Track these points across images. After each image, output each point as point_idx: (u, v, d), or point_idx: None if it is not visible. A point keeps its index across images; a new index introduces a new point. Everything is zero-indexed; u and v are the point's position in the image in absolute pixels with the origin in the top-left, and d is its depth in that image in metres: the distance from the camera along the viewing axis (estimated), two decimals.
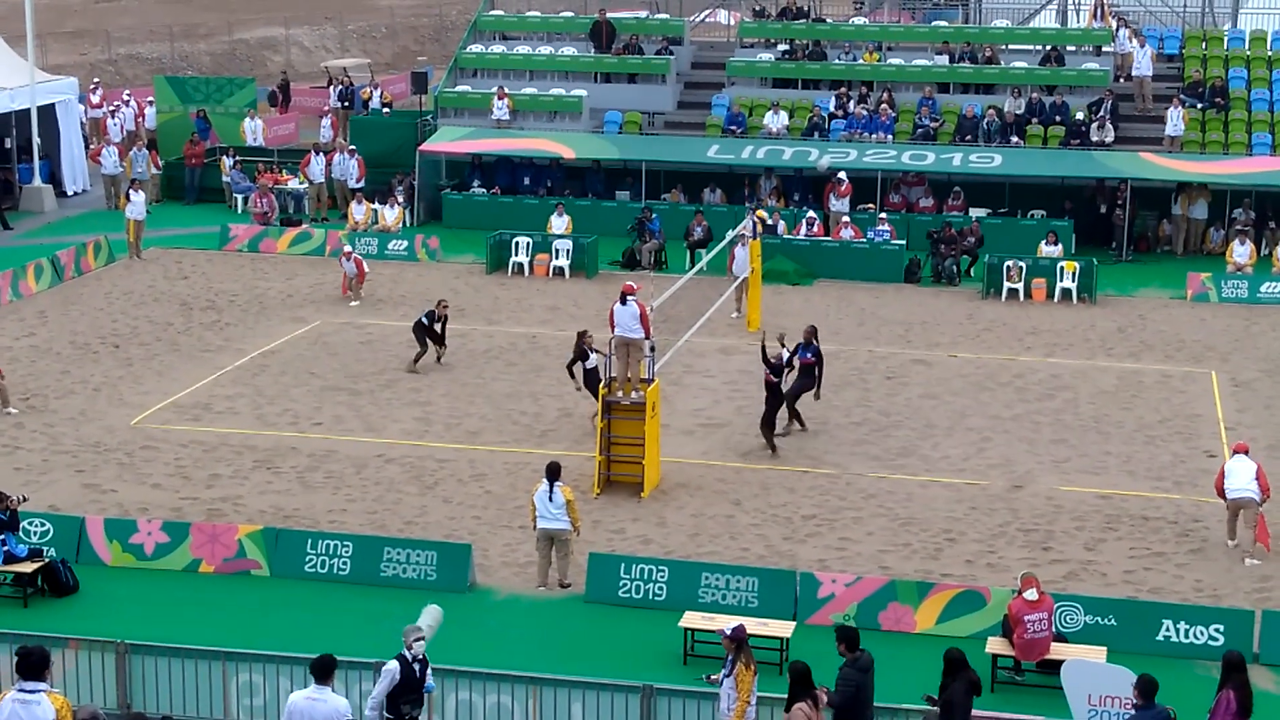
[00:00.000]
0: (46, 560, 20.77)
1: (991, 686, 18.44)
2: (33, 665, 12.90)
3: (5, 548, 20.51)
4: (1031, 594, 18.26)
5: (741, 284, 33.25)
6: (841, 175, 39.97)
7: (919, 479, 24.81)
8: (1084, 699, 17.03)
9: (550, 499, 20.67)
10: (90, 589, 20.75)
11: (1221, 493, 22.17)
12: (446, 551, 21.20)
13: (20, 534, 21.02)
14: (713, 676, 16.40)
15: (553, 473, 20.88)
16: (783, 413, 26.26)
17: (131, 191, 39.27)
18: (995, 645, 18.75)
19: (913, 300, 36.15)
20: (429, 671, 15.94)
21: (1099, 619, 19.45)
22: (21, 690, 12.83)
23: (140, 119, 50.10)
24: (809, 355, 26.54)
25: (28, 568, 20.53)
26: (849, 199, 40.05)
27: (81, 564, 21.23)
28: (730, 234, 34.35)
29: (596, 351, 26.41)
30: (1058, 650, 18.37)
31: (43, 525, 21.62)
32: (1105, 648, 18.66)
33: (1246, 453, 22.44)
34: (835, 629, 16.39)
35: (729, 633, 16.06)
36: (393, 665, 15.69)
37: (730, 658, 15.94)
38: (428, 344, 30.26)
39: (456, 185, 43.90)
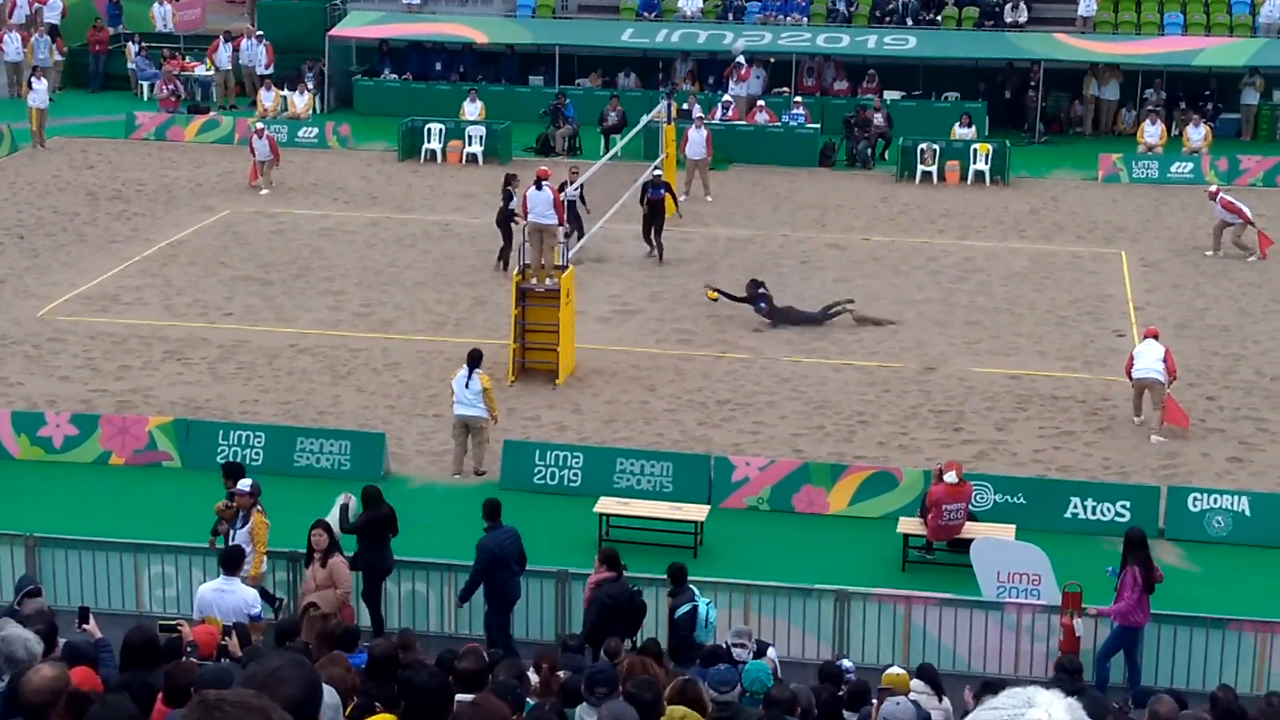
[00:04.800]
0: None
1: (903, 566, 18.70)
2: None
3: None
4: (951, 476, 18.41)
5: (690, 166, 33.87)
6: (740, 60, 39.77)
7: (832, 362, 24.93)
8: (993, 576, 17.29)
9: (467, 385, 20.61)
10: None
11: (1130, 375, 22.44)
12: (360, 440, 21.13)
13: None
14: (220, 527, 17.07)
15: (473, 360, 20.84)
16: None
17: (34, 79, 38.42)
18: (907, 525, 18.95)
19: (827, 184, 36.15)
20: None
21: (1008, 497, 19.70)
22: None
23: (42, 3, 48.76)
24: (660, 193, 29.56)
25: None
26: (748, 84, 39.93)
27: None
28: (645, 119, 34.18)
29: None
30: (968, 529, 18.58)
31: None
32: (1014, 525, 18.92)
33: (1156, 337, 22.70)
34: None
35: (249, 489, 16.63)
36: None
37: (245, 513, 16.54)
38: (512, 235, 28.18)
39: (367, 71, 43.30)
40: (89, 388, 23.51)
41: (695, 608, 15.51)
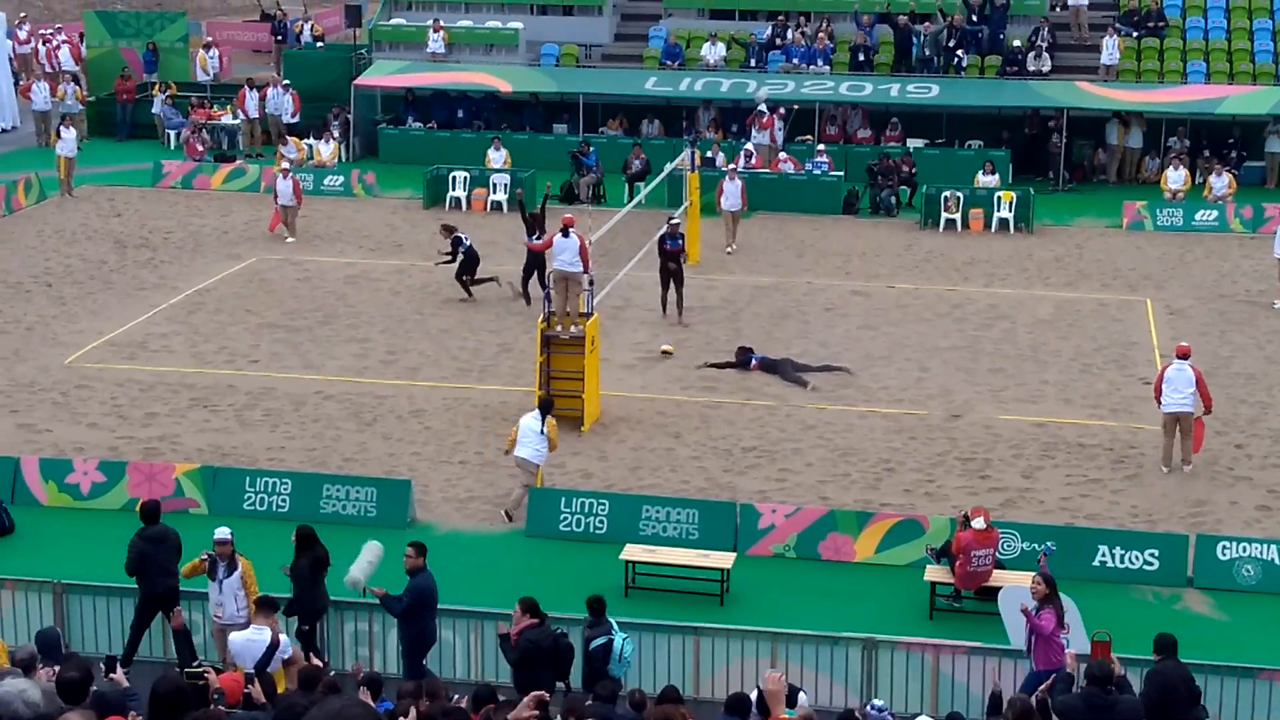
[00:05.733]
0: None
1: (930, 614, 18.61)
2: None
3: None
4: (979, 523, 18.32)
5: (726, 217, 33.82)
6: (762, 108, 39.87)
7: (858, 409, 24.90)
8: (1022, 624, 17.16)
9: (541, 431, 20.80)
10: (26, 529, 20.59)
11: (1159, 399, 22.28)
12: (386, 487, 21.15)
13: None
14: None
15: (544, 407, 21.06)
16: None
17: (62, 128, 38.72)
18: (934, 573, 18.87)
19: (851, 231, 36.20)
20: None
21: (1036, 545, 19.58)
22: None
23: (54, 54, 48.82)
24: (678, 244, 28.89)
25: None
26: (770, 131, 40.02)
27: (17, 505, 21.03)
28: (668, 167, 34.28)
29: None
30: (995, 577, 18.50)
31: None
32: None
33: (1188, 357, 22.44)
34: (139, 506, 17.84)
35: (229, 537, 16.72)
36: None
37: (225, 563, 16.58)
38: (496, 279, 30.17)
39: (392, 120, 43.55)
40: (116, 435, 23.58)
41: (610, 641, 15.53)
